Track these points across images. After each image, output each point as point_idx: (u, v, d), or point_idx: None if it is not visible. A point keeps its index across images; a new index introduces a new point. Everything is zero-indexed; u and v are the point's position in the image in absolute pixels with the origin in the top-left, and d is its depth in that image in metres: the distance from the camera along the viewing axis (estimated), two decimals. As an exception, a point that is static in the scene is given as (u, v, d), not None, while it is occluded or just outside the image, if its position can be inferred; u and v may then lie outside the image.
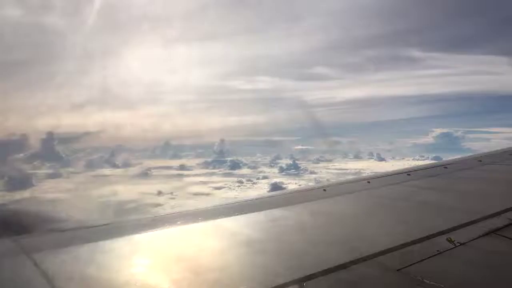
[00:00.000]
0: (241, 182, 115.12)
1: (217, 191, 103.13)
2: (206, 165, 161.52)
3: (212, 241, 3.54)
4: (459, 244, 3.15)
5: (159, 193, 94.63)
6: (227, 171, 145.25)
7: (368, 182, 6.11)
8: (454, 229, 3.52)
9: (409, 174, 6.76)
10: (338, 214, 4.49)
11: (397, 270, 2.67)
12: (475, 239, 3.29)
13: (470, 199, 5.02)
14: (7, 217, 4.49)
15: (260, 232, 3.74)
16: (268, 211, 4.53)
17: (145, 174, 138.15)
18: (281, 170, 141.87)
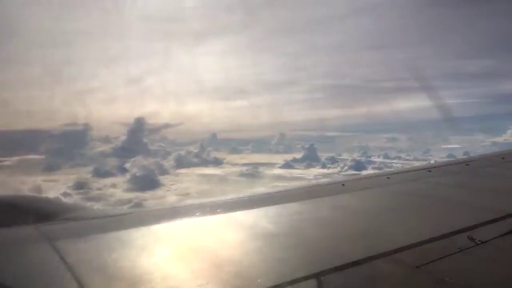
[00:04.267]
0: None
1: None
2: (303, 163, 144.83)
3: (230, 234, 3.57)
4: (480, 242, 3.10)
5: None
6: (352, 171, 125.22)
7: (388, 177, 6.07)
8: (475, 227, 3.46)
9: (430, 171, 6.67)
10: (356, 209, 4.46)
11: (416, 267, 2.65)
12: (496, 237, 3.23)
13: (492, 197, 4.92)
14: (28, 204, 4.62)
15: (278, 225, 3.75)
16: (285, 204, 4.54)
17: (252, 174, 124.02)
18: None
